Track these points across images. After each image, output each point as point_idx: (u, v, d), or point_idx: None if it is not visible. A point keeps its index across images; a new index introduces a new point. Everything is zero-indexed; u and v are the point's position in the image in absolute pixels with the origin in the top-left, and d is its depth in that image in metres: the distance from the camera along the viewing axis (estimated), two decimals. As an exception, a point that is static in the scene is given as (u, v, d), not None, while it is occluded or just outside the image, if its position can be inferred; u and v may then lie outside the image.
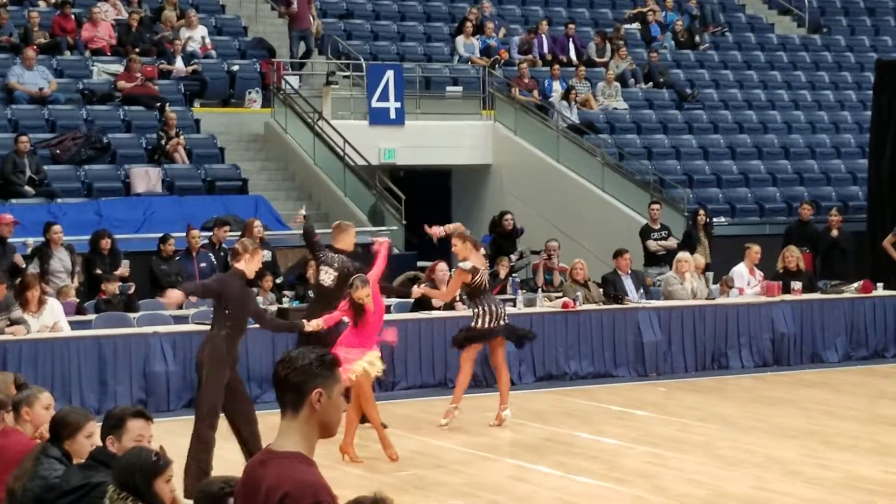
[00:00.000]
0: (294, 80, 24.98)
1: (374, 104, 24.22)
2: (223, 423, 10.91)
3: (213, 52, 24.65)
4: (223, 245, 18.22)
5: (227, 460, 10.71)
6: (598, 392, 15.98)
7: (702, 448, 12.59)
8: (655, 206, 21.25)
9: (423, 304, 16.63)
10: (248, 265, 11.08)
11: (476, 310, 13.58)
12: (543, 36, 27.69)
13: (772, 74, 29.28)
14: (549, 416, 14.31)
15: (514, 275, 19.52)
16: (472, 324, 13.62)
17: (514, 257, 19.99)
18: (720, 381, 16.81)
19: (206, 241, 18.37)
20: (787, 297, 18.24)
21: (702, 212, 21.30)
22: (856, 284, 18.95)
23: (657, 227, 20.99)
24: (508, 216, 21.08)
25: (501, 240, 20.78)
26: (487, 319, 13.48)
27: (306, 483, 4.15)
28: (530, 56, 27.09)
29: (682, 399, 15.59)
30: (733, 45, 30.42)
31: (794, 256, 18.99)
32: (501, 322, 13.63)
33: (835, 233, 21.07)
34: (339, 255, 13.39)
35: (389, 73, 24.37)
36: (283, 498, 4.11)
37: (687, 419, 14.16)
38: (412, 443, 12.90)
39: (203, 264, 17.88)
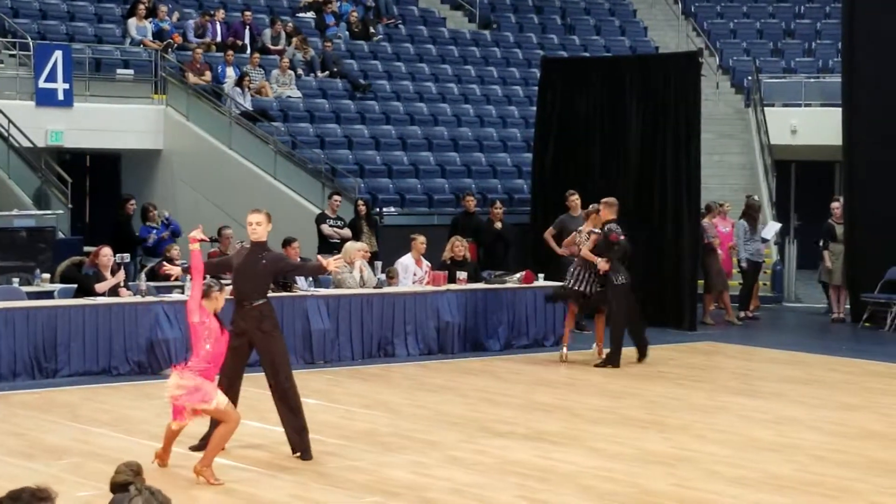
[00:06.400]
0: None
1: (42, 85, 23.63)
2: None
3: None
4: None
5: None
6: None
7: (365, 435, 12.76)
8: (337, 198, 21.69)
9: (87, 290, 16.35)
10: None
11: None
12: (218, 21, 27.49)
13: (443, 68, 29.83)
14: (215, 404, 14.19)
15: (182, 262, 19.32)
16: None
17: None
18: (385, 369, 17.06)
19: None
20: (453, 286, 18.63)
21: (360, 201, 21.76)
22: (518, 275, 19.48)
23: (334, 216, 21.41)
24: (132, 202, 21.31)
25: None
26: None
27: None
28: (206, 40, 26.85)
29: (348, 386, 15.76)
30: (406, 37, 30.87)
31: (462, 247, 19.43)
32: None
33: (498, 225, 21.66)
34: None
35: (58, 54, 23.78)
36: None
37: (352, 406, 14.33)
38: (71, 430, 12.66)
39: None
